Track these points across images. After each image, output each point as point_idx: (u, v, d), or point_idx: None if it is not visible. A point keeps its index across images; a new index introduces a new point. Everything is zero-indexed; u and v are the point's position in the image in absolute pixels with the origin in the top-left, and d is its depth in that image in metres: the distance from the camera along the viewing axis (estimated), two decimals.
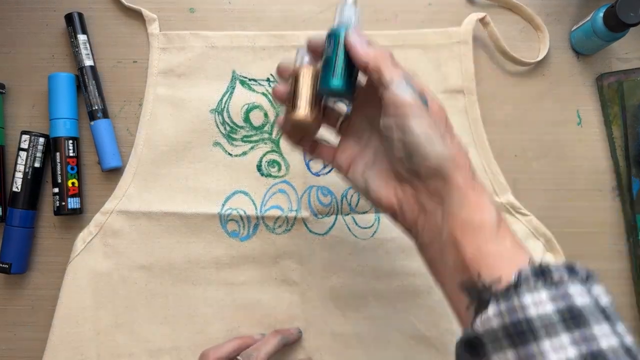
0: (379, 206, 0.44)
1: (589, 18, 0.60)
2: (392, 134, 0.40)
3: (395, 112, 0.39)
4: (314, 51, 0.44)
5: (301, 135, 0.47)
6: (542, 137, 0.63)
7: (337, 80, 0.42)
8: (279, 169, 0.62)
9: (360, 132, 0.46)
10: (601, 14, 0.58)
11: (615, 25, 0.57)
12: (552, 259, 0.60)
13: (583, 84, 0.64)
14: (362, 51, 0.40)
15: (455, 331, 0.58)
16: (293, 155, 0.62)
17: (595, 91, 0.64)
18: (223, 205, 0.61)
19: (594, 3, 0.63)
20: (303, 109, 0.44)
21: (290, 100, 0.44)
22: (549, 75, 0.64)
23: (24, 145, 0.61)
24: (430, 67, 0.62)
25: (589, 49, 0.62)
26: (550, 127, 0.63)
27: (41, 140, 0.62)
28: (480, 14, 0.62)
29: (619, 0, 0.56)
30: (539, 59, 0.63)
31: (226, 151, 0.62)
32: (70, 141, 0.61)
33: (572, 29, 0.64)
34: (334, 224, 0.61)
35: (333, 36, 0.43)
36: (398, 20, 0.64)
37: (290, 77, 0.45)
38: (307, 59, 0.45)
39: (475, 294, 0.34)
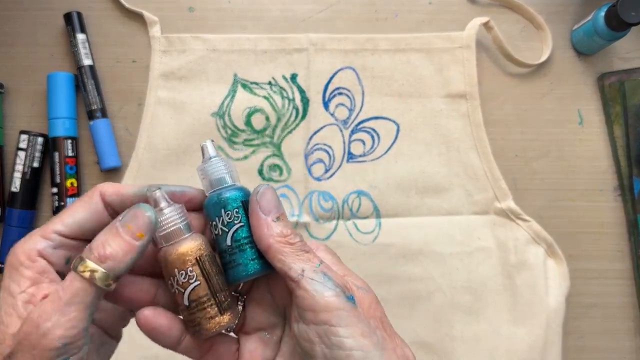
0: None
1: (590, 17, 0.60)
2: (312, 347, 0.29)
3: (315, 319, 0.29)
4: (191, 208, 0.34)
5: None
6: (543, 136, 0.63)
7: (257, 263, 0.31)
8: (281, 174, 0.61)
9: (267, 327, 0.34)
10: (602, 14, 0.58)
11: (617, 24, 0.57)
12: (554, 264, 0.60)
13: (584, 84, 0.64)
14: (266, 232, 0.30)
15: (455, 336, 0.58)
16: (295, 160, 0.61)
17: (596, 91, 0.63)
18: None
19: (595, 2, 0.62)
20: (233, 310, 0.32)
21: (183, 300, 0.30)
22: (550, 75, 0.64)
23: (23, 145, 0.61)
24: (433, 71, 0.62)
25: (590, 48, 0.62)
26: (551, 126, 0.63)
27: (40, 139, 0.61)
28: (484, 19, 0.62)
29: (620, 0, 0.56)
30: (542, 60, 0.63)
31: (227, 155, 0.61)
32: (69, 141, 0.61)
33: (573, 29, 0.63)
34: (335, 229, 0.60)
35: (234, 205, 0.32)
36: (398, 19, 0.64)
37: (167, 259, 0.30)
38: (184, 223, 0.31)
39: None
